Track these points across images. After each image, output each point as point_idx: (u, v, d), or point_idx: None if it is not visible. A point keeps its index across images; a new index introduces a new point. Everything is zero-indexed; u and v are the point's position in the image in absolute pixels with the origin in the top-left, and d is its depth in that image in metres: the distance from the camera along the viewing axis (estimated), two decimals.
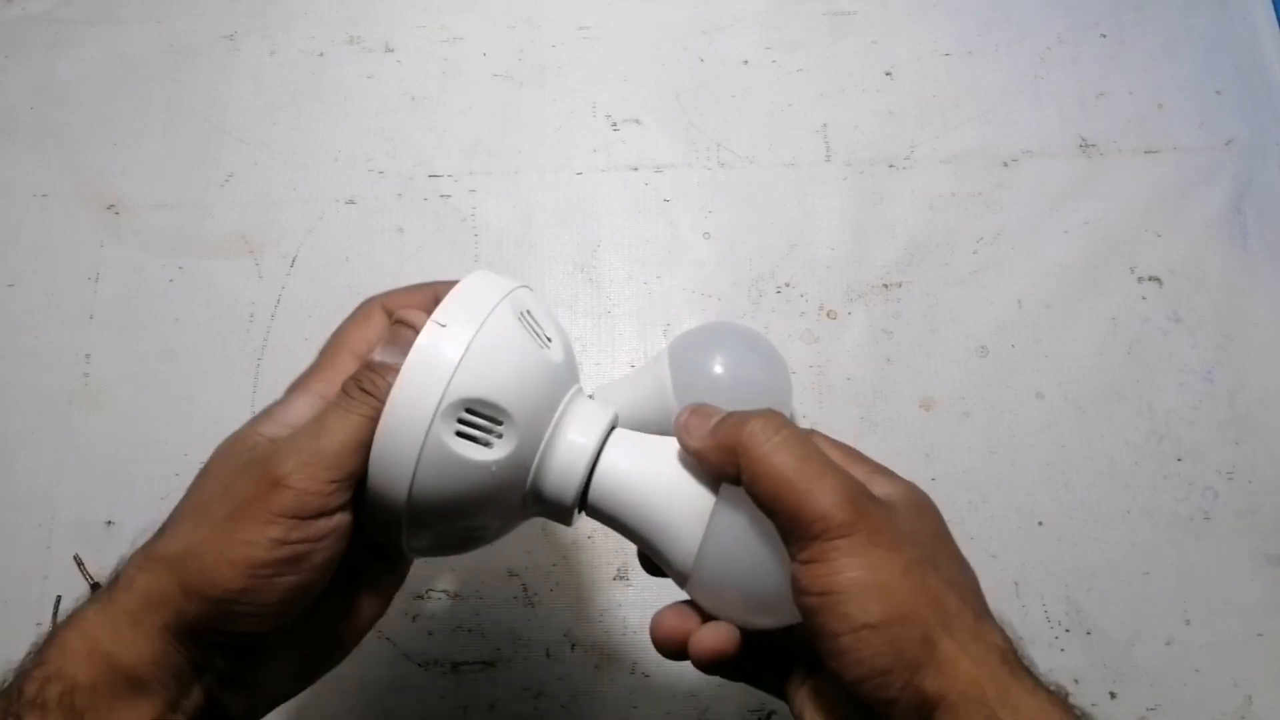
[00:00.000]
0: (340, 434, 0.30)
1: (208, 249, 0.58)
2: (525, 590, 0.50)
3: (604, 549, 0.51)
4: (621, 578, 0.51)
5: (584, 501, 0.34)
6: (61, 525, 0.52)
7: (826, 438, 0.34)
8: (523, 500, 0.33)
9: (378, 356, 0.33)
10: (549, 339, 0.34)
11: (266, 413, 0.34)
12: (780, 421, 0.31)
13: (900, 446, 0.53)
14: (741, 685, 0.48)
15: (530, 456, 0.32)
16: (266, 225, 0.59)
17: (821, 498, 0.29)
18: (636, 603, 0.50)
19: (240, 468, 0.31)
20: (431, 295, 0.36)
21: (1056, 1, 0.64)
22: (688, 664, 0.49)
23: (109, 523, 0.52)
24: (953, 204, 0.58)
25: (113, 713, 0.28)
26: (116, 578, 0.31)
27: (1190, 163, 0.59)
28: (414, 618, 0.50)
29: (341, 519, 0.31)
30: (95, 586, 0.50)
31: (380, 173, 0.60)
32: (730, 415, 0.32)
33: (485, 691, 0.48)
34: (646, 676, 0.48)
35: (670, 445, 0.34)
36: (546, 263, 0.58)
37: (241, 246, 0.58)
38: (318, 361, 0.35)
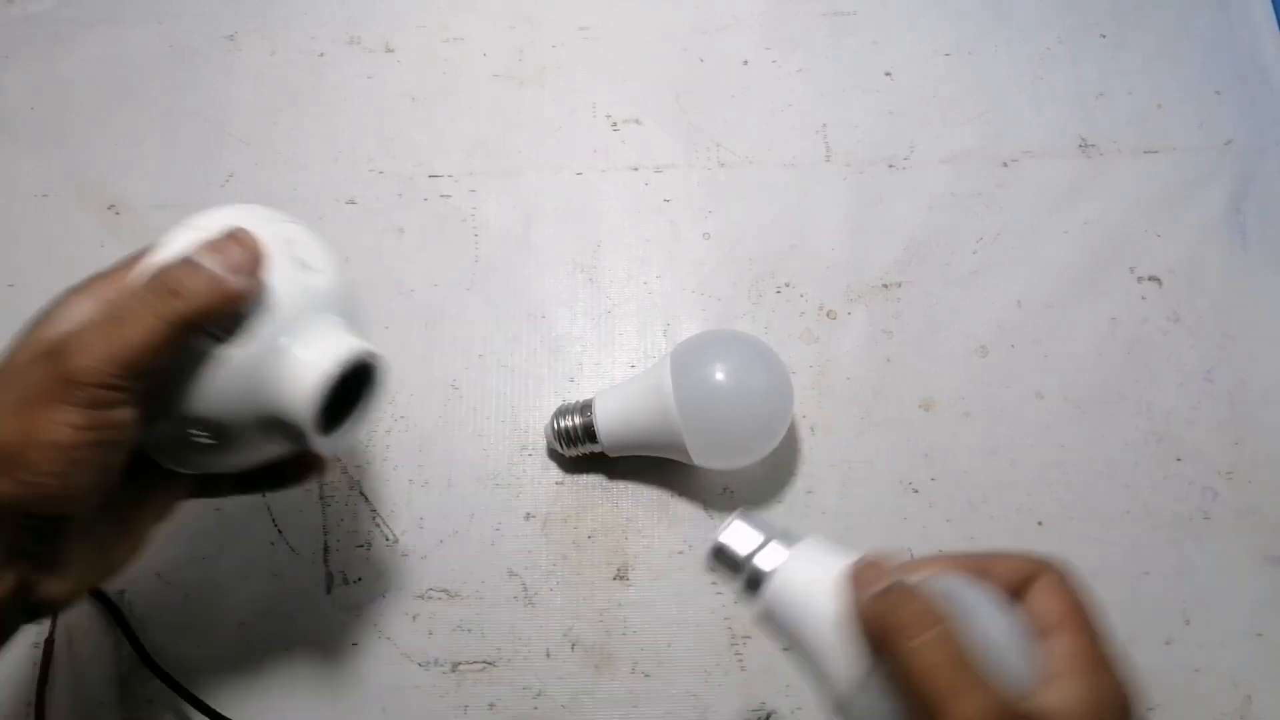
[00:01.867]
0: (137, 333, 0.32)
1: None
2: (525, 590, 0.50)
3: (604, 549, 0.51)
4: (621, 578, 0.51)
5: (756, 581, 0.33)
6: None
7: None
8: (257, 416, 0.35)
9: (202, 259, 0.34)
10: (314, 268, 0.37)
11: (49, 315, 0.36)
12: (938, 615, 0.28)
13: (900, 446, 0.53)
14: (742, 685, 0.48)
15: (261, 363, 0.34)
16: None
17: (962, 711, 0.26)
18: (636, 603, 0.50)
19: (33, 359, 0.33)
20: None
21: (1056, 1, 0.64)
22: (687, 664, 0.49)
23: None
24: (953, 204, 0.58)
25: None
26: None
27: (1190, 163, 0.59)
28: (414, 618, 0.50)
29: (134, 411, 0.32)
30: (92, 589, 0.50)
31: (380, 173, 0.60)
32: (895, 588, 0.29)
33: (485, 691, 0.49)
34: (646, 676, 0.49)
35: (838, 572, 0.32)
36: (546, 263, 0.58)
37: None
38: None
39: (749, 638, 0.49)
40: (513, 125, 0.61)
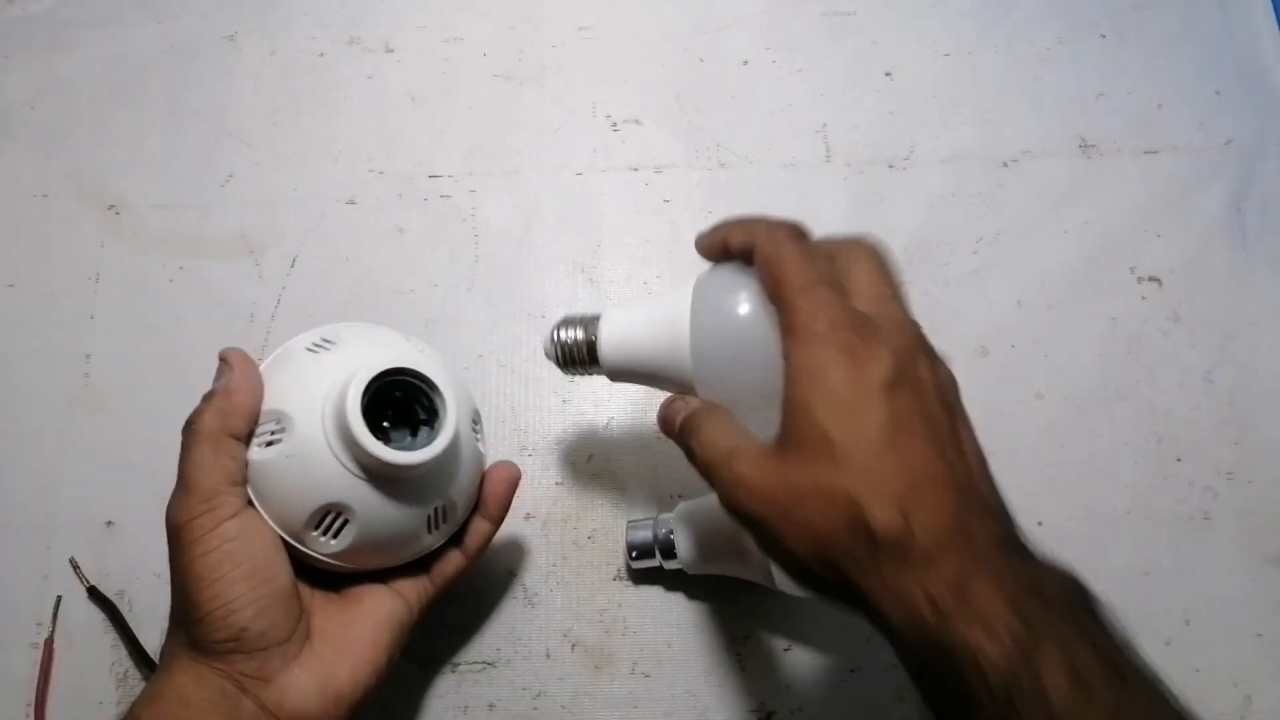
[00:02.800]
0: (189, 470, 0.38)
1: (208, 249, 0.58)
2: (525, 590, 0.50)
3: (604, 549, 0.51)
4: (621, 578, 0.51)
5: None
6: (61, 525, 0.52)
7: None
8: (352, 472, 0.38)
9: (206, 393, 0.39)
10: (329, 344, 0.40)
11: None
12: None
13: None
14: (741, 685, 0.48)
15: (317, 433, 0.38)
16: (267, 225, 0.59)
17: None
18: (636, 603, 0.50)
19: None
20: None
21: (1056, 1, 0.64)
22: (687, 664, 0.49)
23: (109, 523, 0.52)
24: (952, 204, 0.58)
25: None
26: (159, 659, 0.39)
27: (1190, 163, 0.59)
28: None
29: (247, 517, 0.38)
30: (92, 590, 0.50)
31: (380, 173, 0.60)
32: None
33: (485, 691, 0.49)
34: (646, 676, 0.49)
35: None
36: (546, 263, 0.58)
37: (242, 247, 0.58)
38: None
39: (749, 638, 0.49)
40: (513, 125, 0.61)
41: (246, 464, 0.38)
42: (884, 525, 0.31)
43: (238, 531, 0.37)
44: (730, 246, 0.39)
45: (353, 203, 0.59)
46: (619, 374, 0.43)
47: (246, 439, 0.38)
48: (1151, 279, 0.56)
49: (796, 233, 0.37)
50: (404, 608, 0.41)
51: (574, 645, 0.49)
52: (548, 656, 0.49)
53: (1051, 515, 0.51)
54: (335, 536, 0.38)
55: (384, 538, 0.39)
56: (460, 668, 0.49)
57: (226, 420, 0.38)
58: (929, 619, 0.30)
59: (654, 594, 0.50)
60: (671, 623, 0.49)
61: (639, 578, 0.50)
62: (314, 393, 0.38)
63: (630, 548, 0.48)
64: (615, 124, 0.61)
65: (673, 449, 0.53)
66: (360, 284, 0.57)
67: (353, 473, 0.37)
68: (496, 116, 0.61)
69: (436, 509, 0.40)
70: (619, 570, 0.51)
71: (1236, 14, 0.63)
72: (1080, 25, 0.63)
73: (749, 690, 0.48)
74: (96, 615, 0.50)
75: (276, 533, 0.38)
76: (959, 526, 0.31)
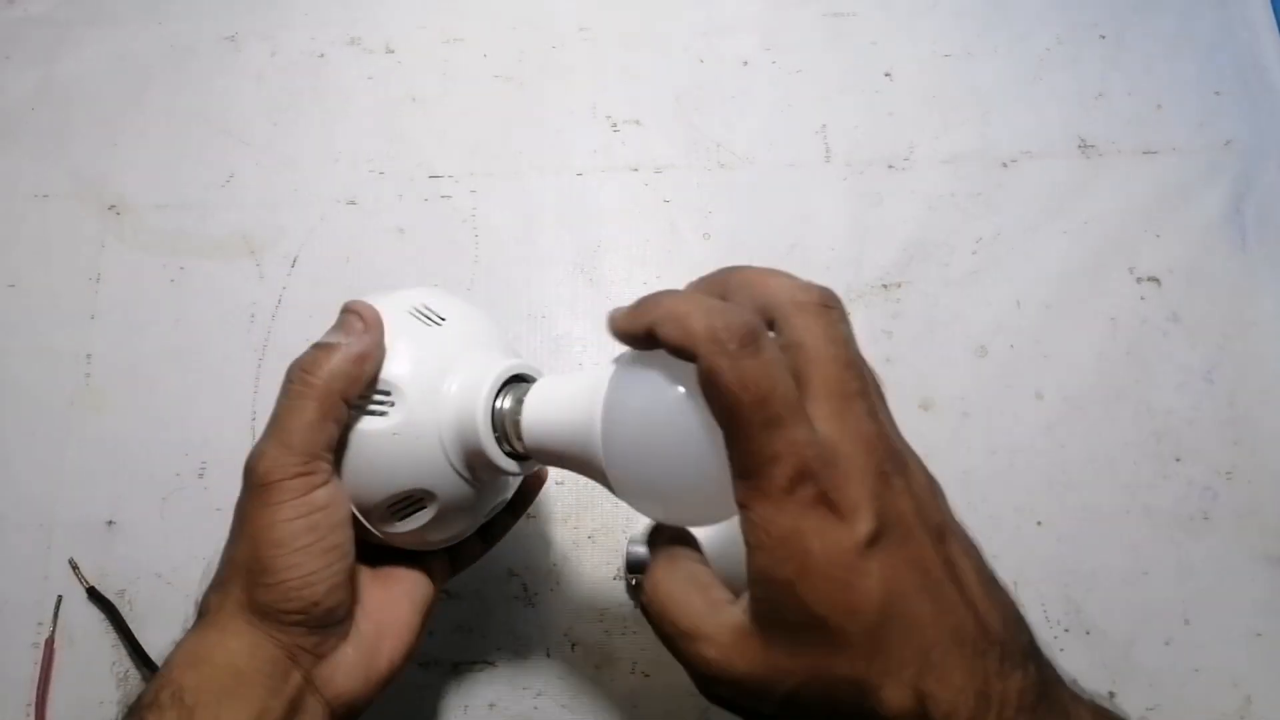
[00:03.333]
0: (292, 420, 0.35)
1: (208, 249, 0.58)
2: (525, 590, 0.50)
3: (604, 549, 0.51)
4: (622, 578, 0.51)
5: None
6: (61, 525, 0.52)
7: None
8: (452, 464, 0.37)
9: (325, 339, 0.36)
10: (440, 319, 0.38)
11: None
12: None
13: None
14: None
15: (429, 416, 0.36)
16: (267, 226, 0.59)
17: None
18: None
19: (243, 486, 0.36)
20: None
21: (1056, 1, 0.64)
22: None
23: (109, 523, 0.52)
24: (952, 204, 0.58)
25: (219, 703, 0.33)
26: (199, 612, 0.36)
27: (1190, 163, 0.59)
28: None
29: (335, 486, 0.35)
30: (91, 590, 0.50)
31: (381, 173, 0.60)
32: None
33: (485, 691, 0.49)
34: (646, 676, 0.49)
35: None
36: (546, 263, 0.58)
37: (242, 247, 0.58)
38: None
39: None
40: (513, 125, 0.61)
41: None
42: (897, 711, 0.27)
43: (327, 501, 0.35)
44: (663, 342, 0.30)
45: (353, 203, 0.59)
46: (537, 453, 0.37)
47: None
48: (1151, 279, 0.56)
49: (749, 335, 0.28)
50: (434, 590, 0.41)
51: (574, 645, 0.49)
52: (548, 656, 0.49)
53: (1051, 515, 0.51)
54: (404, 519, 0.37)
55: (447, 526, 0.39)
56: (460, 668, 0.49)
57: (347, 384, 0.35)
58: None
59: None
60: None
61: (637, 594, 0.50)
62: (428, 372, 0.36)
63: (630, 565, 0.48)
64: (615, 124, 0.61)
65: None
66: (360, 284, 0.57)
67: (451, 464, 0.36)
68: (496, 117, 0.61)
69: (496, 504, 0.41)
70: (619, 570, 0.51)
71: (1236, 14, 0.63)
72: (1080, 25, 0.63)
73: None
74: (97, 615, 0.50)
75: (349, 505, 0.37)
76: (979, 693, 0.27)
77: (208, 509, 0.52)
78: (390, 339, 0.37)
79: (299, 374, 0.36)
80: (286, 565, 0.34)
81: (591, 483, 0.52)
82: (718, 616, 0.30)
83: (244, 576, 0.35)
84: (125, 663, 0.49)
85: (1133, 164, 0.59)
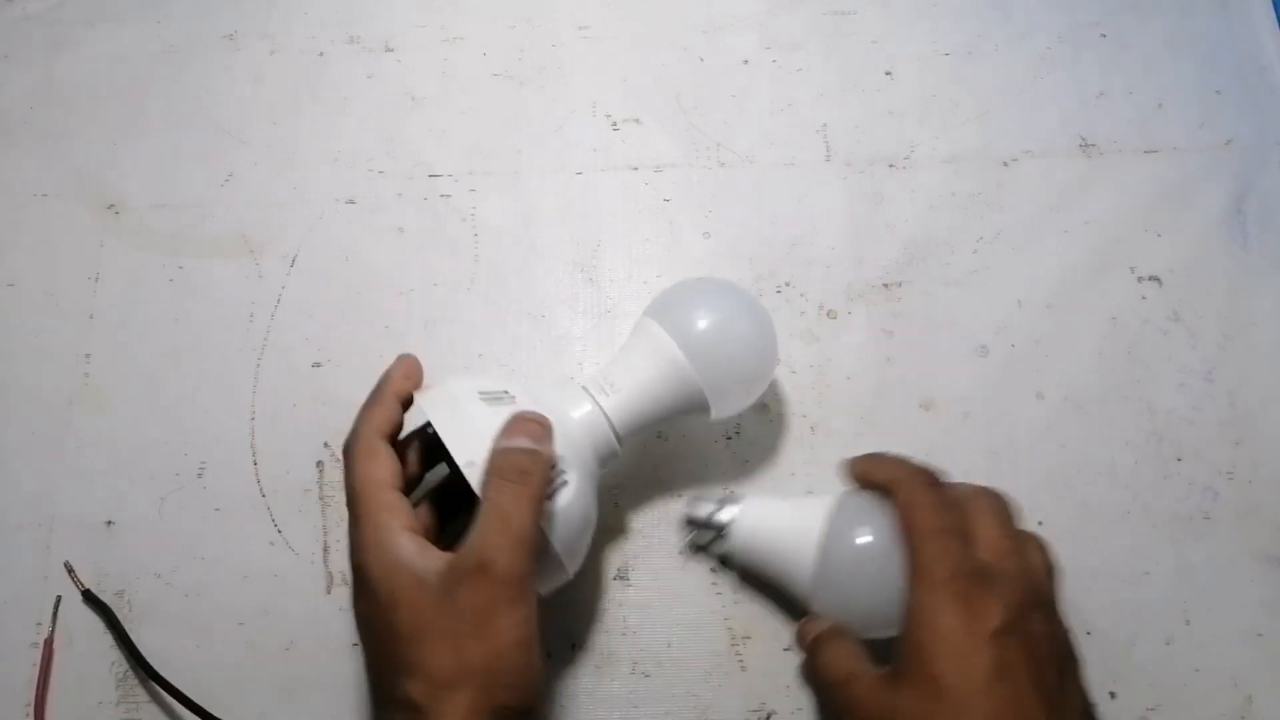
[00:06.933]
0: (523, 518, 0.37)
1: (208, 249, 0.58)
2: None
3: (604, 549, 0.51)
4: (621, 578, 0.51)
5: (720, 530, 0.47)
6: (61, 525, 0.52)
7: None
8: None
9: (518, 443, 0.39)
10: (507, 393, 0.42)
11: (386, 566, 0.38)
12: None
13: (900, 447, 0.52)
14: (742, 685, 0.48)
15: (584, 473, 0.43)
16: (266, 225, 0.59)
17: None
18: (636, 603, 0.50)
19: (446, 586, 0.36)
20: (404, 383, 0.44)
21: (1056, 1, 0.64)
22: (687, 664, 0.49)
23: (109, 523, 0.52)
24: (953, 204, 0.58)
25: None
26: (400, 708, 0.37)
27: (1190, 163, 0.59)
28: None
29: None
30: (87, 594, 0.50)
31: (380, 172, 0.60)
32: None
33: None
34: (646, 676, 0.49)
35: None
36: (546, 262, 0.58)
37: (241, 246, 0.58)
38: (358, 504, 0.40)
39: (749, 638, 0.49)
40: (513, 125, 0.61)
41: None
42: None
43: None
44: (873, 480, 0.43)
45: (352, 202, 0.59)
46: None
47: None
48: (1151, 279, 0.56)
49: (933, 481, 0.41)
50: None
51: (574, 645, 0.49)
52: (548, 656, 0.49)
53: (1051, 515, 0.51)
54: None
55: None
56: None
57: (547, 484, 0.39)
58: None
59: (654, 594, 0.50)
60: (671, 623, 0.49)
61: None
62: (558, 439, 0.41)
63: (689, 521, 0.49)
64: (615, 124, 0.61)
65: (673, 449, 0.53)
66: (360, 284, 0.57)
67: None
68: (496, 116, 0.61)
69: None
70: (619, 570, 0.51)
71: (1236, 14, 0.63)
72: (1080, 25, 0.63)
73: (749, 690, 0.48)
74: (96, 616, 0.50)
75: None
76: None
77: (207, 509, 0.52)
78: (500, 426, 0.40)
79: (519, 475, 0.38)
80: (529, 663, 0.37)
81: None
82: (867, 668, 0.39)
83: (482, 678, 0.36)
84: (124, 664, 0.49)
85: (1133, 163, 0.59)
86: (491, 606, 0.36)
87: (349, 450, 0.41)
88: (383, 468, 0.40)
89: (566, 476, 0.41)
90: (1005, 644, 0.36)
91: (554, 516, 0.40)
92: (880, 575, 0.40)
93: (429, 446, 0.46)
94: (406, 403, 0.44)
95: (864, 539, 0.42)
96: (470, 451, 0.39)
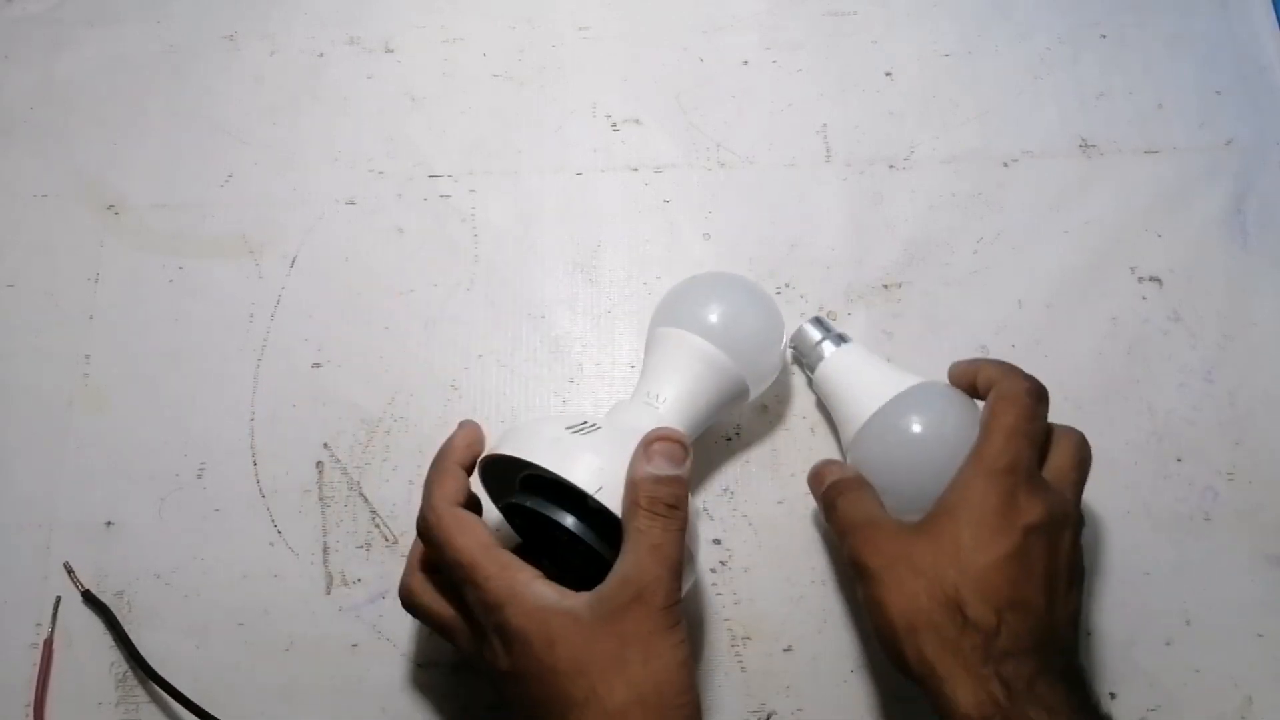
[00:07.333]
0: (675, 548, 0.38)
1: (208, 249, 0.58)
2: None
3: None
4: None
5: (817, 358, 0.51)
6: (61, 525, 0.52)
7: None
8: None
9: (666, 470, 0.39)
10: (588, 423, 0.43)
11: (531, 613, 0.38)
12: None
13: None
14: (742, 685, 0.48)
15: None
16: (266, 225, 0.59)
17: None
18: None
19: (605, 619, 0.37)
20: (467, 451, 0.44)
21: (1056, 1, 0.64)
22: None
23: (109, 523, 0.52)
24: (953, 204, 0.58)
25: None
26: None
27: (1190, 163, 0.59)
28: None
29: None
30: (87, 594, 0.50)
31: (380, 173, 0.60)
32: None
33: (485, 691, 0.48)
34: None
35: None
36: (546, 263, 0.58)
37: (241, 246, 0.58)
38: (474, 573, 0.39)
39: (749, 638, 0.49)
40: (512, 125, 0.61)
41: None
42: (978, 617, 0.37)
43: None
44: (978, 380, 0.45)
45: (352, 203, 0.59)
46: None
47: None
48: (1151, 279, 0.56)
49: (1037, 393, 0.42)
50: None
51: None
52: None
53: None
54: None
55: None
56: (460, 669, 0.49)
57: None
58: (1000, 700, 0.36)
59: None
60: None
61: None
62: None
63: (799, 337, 0.52)
64: (615, 124, 0.61)
65: None
66: (360, 284, 0.57)
67: None
68: (496, 116, 0.61)
69: None
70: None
71: (1236, 14, 0.63)
72: (1080, 25, 0.63)
73: (749, 690, 0.48)
74: (95, 616, 0.50)
75: None
76: (1037, 646, 0.37)
77: (206, 509, 0.52)
78: (610, 448, 0.41)
79: (668, 509, 0.38)
80: (693, 682, 0.38)
81: None
82: (886, 516, 0.42)
83: (654, 699, 0.37)
84: (124, 664, 0.49)
85: (1133, 163, 0.59)
86: (654, 633, 0.37)
87: (432, 529, 0.41)
88: (479, 533, 0.40)
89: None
90: (1033, 538, 0.38)
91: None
92: (917, 458, 0.44)
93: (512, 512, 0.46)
94: (470, 471, 0.44)
95: (915, 421, 0.44)
96: (595, 479, 0.40)
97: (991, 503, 0.39)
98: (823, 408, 0.53)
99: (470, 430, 0.45)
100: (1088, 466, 0.43)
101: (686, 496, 0.39)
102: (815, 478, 0.47)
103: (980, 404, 0.44)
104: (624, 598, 0.37)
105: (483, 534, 0.40)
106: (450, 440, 0.44)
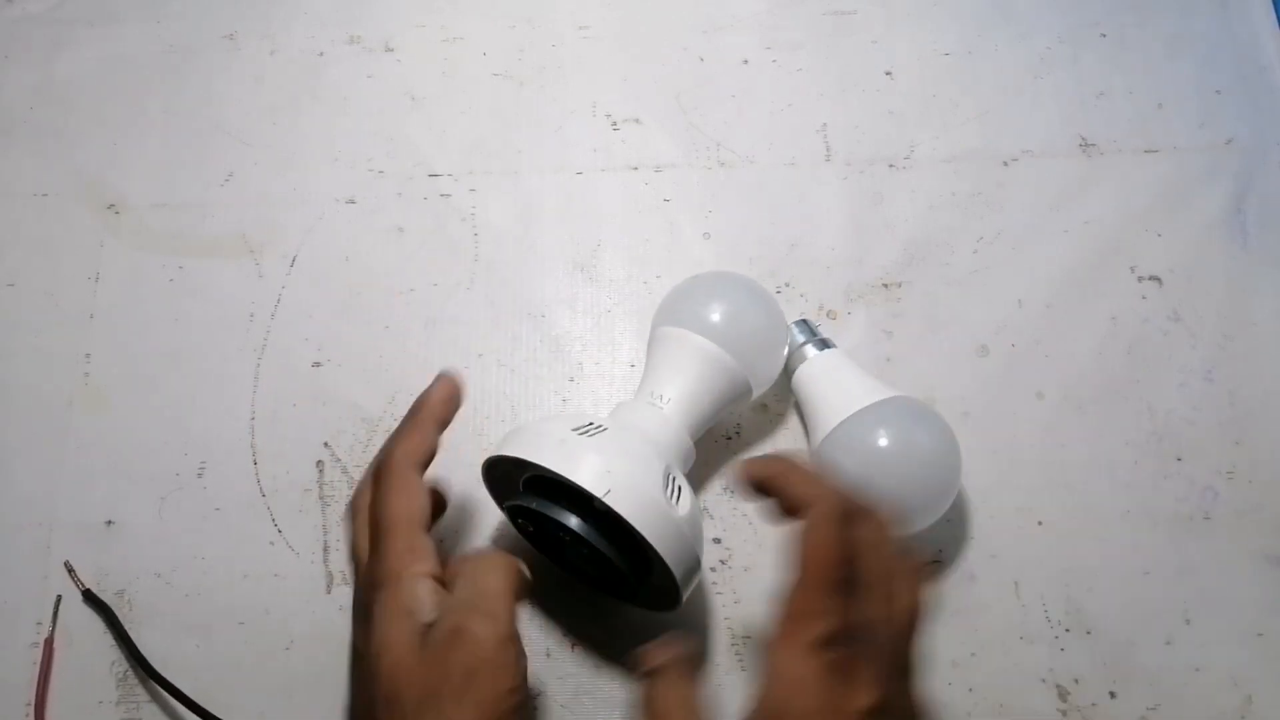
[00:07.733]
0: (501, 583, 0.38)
1: (208, 249, 0.58)
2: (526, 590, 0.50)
3: None
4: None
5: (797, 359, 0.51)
6: (61, 525, 0.52)
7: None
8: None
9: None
10: (595, 425, 0.43)
11: (391, 611, 0.37)
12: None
13: None
14: (742, 685, 0.48)
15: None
16: (266, 225, 0.59)
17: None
18: None
19: (441, 652, 0.35)
20: (444, 408, 0.42)
21: (1056, 1, 0.64)
22: None
23: (109, 523, 0.52)
24: (953, 204, 0.58)
25: None
26: None
27: (1190, 163, 0.59)
28: None
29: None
30: (87, 593, 0.50)
31: (380, 172, 0.60)
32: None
33: None
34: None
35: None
36: (546, 262, 0.58)
37: (241, 246, 0.58)
38: (384, 539, 0.39)
39: (749, 638, 0.49)
40: (513, 125, 0.61)
41: None
42: None
43: None
44: (773, 489, 0.38)
45: (352, 202, 0.59)
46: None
47: None
48: (1151, 279, 0.56)
49: (844, 511, 0.36)
50: None
51: (574, 645, 0.49)
52: (548, 656, 0.49)
53: (1052, 515, 0.51)
54: None
55: None
56: None
57: None
58: None
59: None
60: (671, 623, 0.49)
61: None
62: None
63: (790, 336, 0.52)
64: (615, 124, 0.61)
65: None
66: (360, 283, 0.57)
67: None
68: (496, 116, 0.61)
69: None
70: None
71: (1236, 14, 0.63)
72: (1080, 25, 0.63)
73: (749, 690, 0.48)
74: (96, 615, 0.50)
75: None
76: None
77: (207, 509, 0.52)
78: (617, 449, 0.41)
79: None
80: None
81: None
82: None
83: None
84: (124, 663, 0.49)
85: (1133, 163, 0.59)
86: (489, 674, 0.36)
87: (379, 478, 0.40)
88: (412, 504, 0.39)
89: (680, 482, 0.43)
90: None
91: (685, 520, 0.41)
92: (877, 472, 0.44)
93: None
94: (443, 428, 0.42)
95: (882, 434, 0.45)
96: (604, 482, 0.40)
97: (815, 703, 0.33)
98: (799, 410, 0.53)
99: (447, 385, 0.43)
100: (893, 545, 0.36)
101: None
102: (645, 656, 0.39)
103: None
104: (450, 624, 0.36)
105: (417, 506, 0.39)
106: (427, 394, 0.43)
